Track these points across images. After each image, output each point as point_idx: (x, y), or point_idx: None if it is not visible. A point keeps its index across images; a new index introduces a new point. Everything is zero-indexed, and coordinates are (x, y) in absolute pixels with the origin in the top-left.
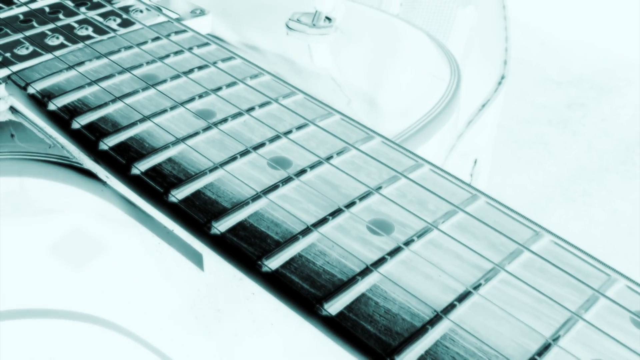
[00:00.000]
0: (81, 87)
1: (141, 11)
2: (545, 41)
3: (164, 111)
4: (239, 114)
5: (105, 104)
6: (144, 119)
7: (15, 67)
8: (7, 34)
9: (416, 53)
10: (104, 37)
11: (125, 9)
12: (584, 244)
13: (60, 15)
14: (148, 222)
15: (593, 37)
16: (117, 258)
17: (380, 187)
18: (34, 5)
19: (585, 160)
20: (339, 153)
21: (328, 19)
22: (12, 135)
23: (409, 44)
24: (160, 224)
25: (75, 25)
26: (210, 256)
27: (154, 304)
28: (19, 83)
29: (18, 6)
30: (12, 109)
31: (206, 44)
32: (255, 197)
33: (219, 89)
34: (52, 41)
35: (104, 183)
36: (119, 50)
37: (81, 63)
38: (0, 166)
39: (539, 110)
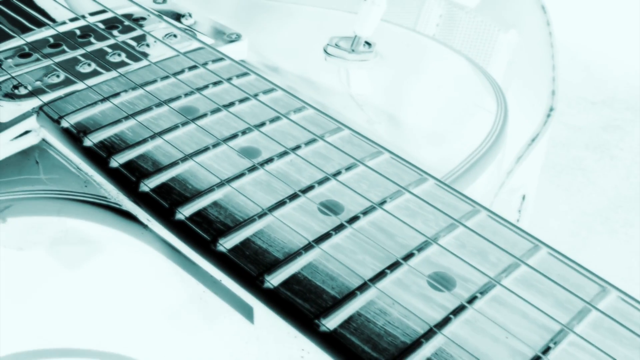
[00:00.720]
0: (118, 121)
1: (175, 36)
2: (576, 57)
3: (206, 149)
4: (285, 153)
5: (144, 141)
6: (186, 157)
7: (47, 97)
8: (37, 60)
9: (460, 81)
10: (139, 64)
11: (159, 33)
12: (627, 278)
13: (92, 39)
14: (192, 269)
15: (625, 53)
16: (156, 303)
17: (438, 237)
18: (63, 28)
19: (625, 187)
20: (392, 197)
21: (367, 43)
22: (37, 162)
23: (452, 70)
24: (205, 272)
25: (108, 50)
26: (262, 310)
27: (196, 353)
28: (51, 116)
29: (47, 29)
30: (44, 142)
31: (245, 73)
32: (308, 247)
33: (262, 124)
34: (84, 68)
35: (144, 226)
36: (154, 81)
37: (116, 94)
38: (34, 205)
39: (575, 133)
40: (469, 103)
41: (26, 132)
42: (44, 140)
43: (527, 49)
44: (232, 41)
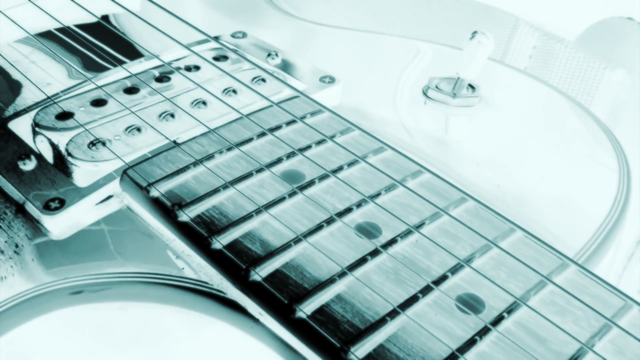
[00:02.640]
0: (216, 190)
1: (264, 80)
2: None
3: (319, 227)
4: (408, 232)
5: (249, 216)
6: (299, 238)
7: (129, 157)
8: (113, 109)
9: (574, 131)
10: (229, 115)
11: (245, 76)
12: None
13: (171, 83)
14: None
15: None
16: None
17: (593, 342)
18: (136, 68)
19: None
20: (536, 289)
21: (471, 86)
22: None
23: (564, 119)
24: None
25: (191, 99)
26: None
27: None
28: (138, 182)
29: (119, 70)
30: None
31: (349, 129)
32: (453, 358)
33: (378, 194)
34: (168, 121)
35: (255, 320)
36: (250, 139)
37: (210, 156)
38: (124, 290)
39: None
40: (587, 159)
41: (108, 197)
42: (128, 208)
43: (638, 90)
44: (325, 85)
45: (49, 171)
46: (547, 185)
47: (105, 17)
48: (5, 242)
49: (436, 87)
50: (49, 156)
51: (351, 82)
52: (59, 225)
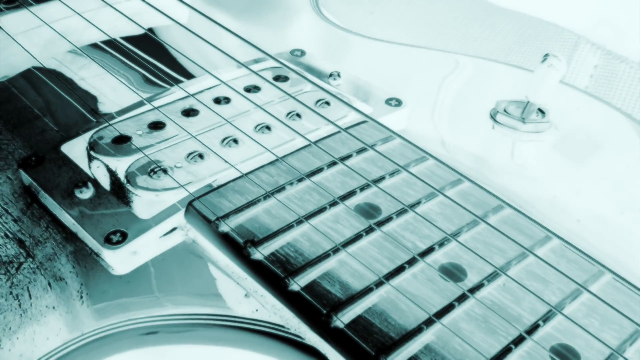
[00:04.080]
0: (289, 226)
1: (328, 103)
2: None
3: (401, 269)
4: (495, 274)
5: (326, 255)
6: (381, 281)
7: (193, 187)
8: (174, 133)
9: None
10: (295, 141)
11: (307, 98)
12: None
13: (231, 105)
14: None
15: None
16: None
17: None
18: (192, 88)
19: None
20: (632, 339)
21: (540, 111)
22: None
23: (636, 145)
24: None
25: (254, 123)
26: None
27: None
28: (205, 215)
29: (175, 90)
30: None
31: (423, 158)
32: None
33: (459, 232)
34: (231, 147)
35: None
36: (321, 169)
37: (281, 188)
38: (197, 333)
39: None
40: None
41: (172, 229)
42: (194, 242)
43: None
44: (392, 108)
45: (107, 200)
46: (631, 223)
47: (151, 30)
48: (63, 276)
49: (504, 110)
50: (106, 183)
51: (415, 103)
52: (120, 259)
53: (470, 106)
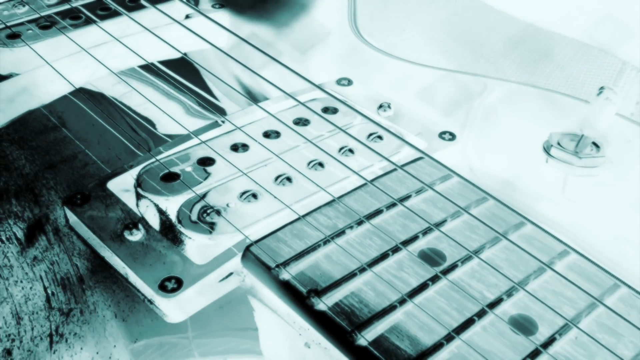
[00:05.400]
0: (352, 274)
1: (380, 137)
2: None
3: (471, 321)
4: (566, 327)
5: (393, 307)
6: (451, 336)
7: (249, 230)
8: (224, 170)
9: None
10: (350, 179)
11: (358, 132)
12: None
13: (280, 139)
14: None
15: None
16: None
17: None
18: (239, 120)
19: None
20: None
21: (595, 144)
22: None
23: None
24: None
25: (306, 159)
26: None
27: None
28: (265, 261)
29: (222, 123)
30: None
31: (483, 199)
32: None
33: (526, 280)
34: (285, 185)
35: None
36: (380, 211)
37: (341, 232)
38: None
39: None
40: None
41: (228, 275)
42: (251, 288)
43: None
44: (446, 142)
45: (159, 243)
46: None
47: (186, 55)
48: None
49: (558, 143)
50: (155, 224)
51: (466, 135)
52: (176, 307)
53: (522, 138)
